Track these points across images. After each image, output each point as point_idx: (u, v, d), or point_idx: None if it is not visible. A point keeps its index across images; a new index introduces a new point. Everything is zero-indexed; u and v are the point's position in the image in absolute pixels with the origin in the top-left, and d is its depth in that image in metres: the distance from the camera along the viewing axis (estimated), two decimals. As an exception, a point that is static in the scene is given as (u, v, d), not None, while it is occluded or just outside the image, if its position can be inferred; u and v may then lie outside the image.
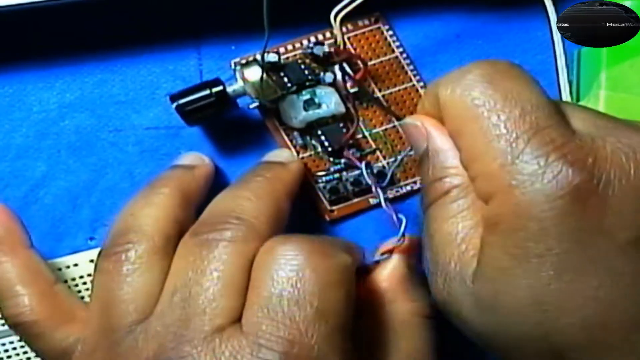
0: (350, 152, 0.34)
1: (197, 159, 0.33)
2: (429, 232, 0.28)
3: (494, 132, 0.25)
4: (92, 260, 0.33)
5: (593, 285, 0.24)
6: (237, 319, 0.26)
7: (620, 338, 0.24)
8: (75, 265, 0.34)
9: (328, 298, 0.26)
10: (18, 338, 0.34)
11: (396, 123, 0.34)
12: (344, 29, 0.34)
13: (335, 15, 0.32)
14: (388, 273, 0.30)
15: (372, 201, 0.35)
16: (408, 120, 0.29)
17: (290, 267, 0.26)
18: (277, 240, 0.27)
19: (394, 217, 0.31)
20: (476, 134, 0.26)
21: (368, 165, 0.33)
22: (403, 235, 0.31)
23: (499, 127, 0.25)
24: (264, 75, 0.31)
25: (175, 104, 0.32)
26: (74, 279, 0.34)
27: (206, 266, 0.27)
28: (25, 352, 0.34)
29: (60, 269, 0.33)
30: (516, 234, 0.24)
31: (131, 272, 0.28)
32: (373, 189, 0.32)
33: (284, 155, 0.33)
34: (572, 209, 0.24)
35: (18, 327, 0.29)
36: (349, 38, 0.34)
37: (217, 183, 0.35)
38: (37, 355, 0.31)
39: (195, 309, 0.26)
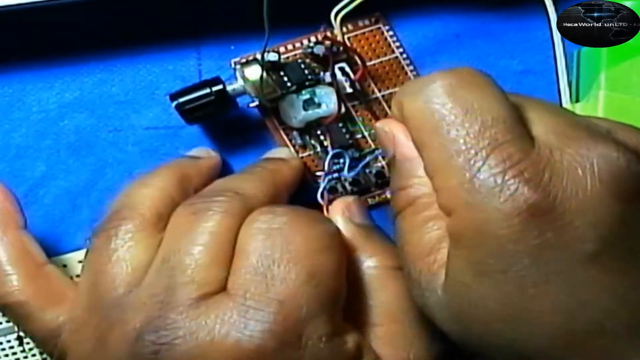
0: (349, 152, 0.34)
1: (203, 152, 0.34)
2: (399, 243, 0.28)
3: (453, 147, 0.25)
4: (80, 261, 0.33)
5: (557, 297, 0.23)
6: (224, 288, 0.26)
7: (585, 344, 0.24)
8: (64, 266, 0.34)
9: (319, 261, 0.26)
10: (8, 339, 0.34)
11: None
12: (344, 29, 0.34)
13: (336, 15, 0.32)
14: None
15: (371, 201, 0.35)
16: (378, 124, 0.29)
17: (280, 232, 0.26)
18: (264, 210, 0.27)
19: (325, 209, 0.32)
20: (436, 148, 0.25)
21: (339, 154, 0.33)
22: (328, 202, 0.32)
23: (458, 142, 0.25)
24: (264, 74, 0.31)
25: (174, 103, 0.32)
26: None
27: (196, 236, 0.27)
28: (22, 351, 0.34)
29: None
30: (476, 251, 0.24)
31: (119, 247, 0.28)
32: (323, 173, 0.33)
33: (284, 152, 0.34)
34: (529, 226, 0.23)
35: (7, 307, 0.29)
36: (349, 38, 0.34)
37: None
38: (26, 334, 0.30)
39: (183, 278, 0.26)
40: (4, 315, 0.30)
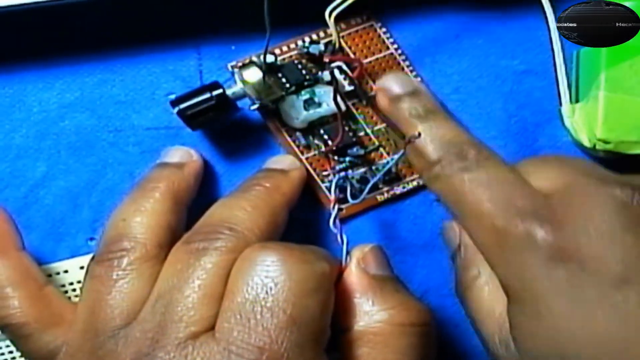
0: (351, 154, 0.34)
1: (185, 155, 0.33)
2: (470, 313, 0.31)
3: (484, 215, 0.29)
4: (82, 267, 0.33)
5: (599, 319, 0.26)
6: (213, 327, 0.26)
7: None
8: (66, 271, 0.34)
9: (302, 305, 0.26)
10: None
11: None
12: (338, 28, 0.34)
13: (330, 14, 0.31)
14: (353, 285, 0.30)
15: (380, 198, 0.35)
16: (446, 223, 0.33)
17: (266, 273, 0.26)
18: (255, 247, 0.27)
19: (339, 237, 0.31)
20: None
21: (343, 179, 0.33)
22: (348, 253, 0.31)
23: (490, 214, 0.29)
24: (264, 75, 0.31)
25: (176, 109, 0.32)
26: (63, 285, 0.34)
27: (190, 274, 0.27)
28: (10, 352, 0.34)
29: (50, 275, 0.33)
30: (522, 299, 0.28)
31: (121, 278, 0.28)
32: (331, 205, 0.32)
33: (286, 162, 0.33)
34: (555, 264, 0.27)
35: (7, 328, 0.30)
36: (343, 37, 0.34)
37: (217, 185, 0.35)
38: (22, 356, 0.31)
39: (173, 316, 0.27)
40: (2, 334, 0.30)
